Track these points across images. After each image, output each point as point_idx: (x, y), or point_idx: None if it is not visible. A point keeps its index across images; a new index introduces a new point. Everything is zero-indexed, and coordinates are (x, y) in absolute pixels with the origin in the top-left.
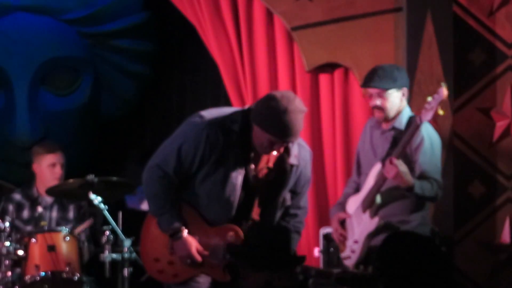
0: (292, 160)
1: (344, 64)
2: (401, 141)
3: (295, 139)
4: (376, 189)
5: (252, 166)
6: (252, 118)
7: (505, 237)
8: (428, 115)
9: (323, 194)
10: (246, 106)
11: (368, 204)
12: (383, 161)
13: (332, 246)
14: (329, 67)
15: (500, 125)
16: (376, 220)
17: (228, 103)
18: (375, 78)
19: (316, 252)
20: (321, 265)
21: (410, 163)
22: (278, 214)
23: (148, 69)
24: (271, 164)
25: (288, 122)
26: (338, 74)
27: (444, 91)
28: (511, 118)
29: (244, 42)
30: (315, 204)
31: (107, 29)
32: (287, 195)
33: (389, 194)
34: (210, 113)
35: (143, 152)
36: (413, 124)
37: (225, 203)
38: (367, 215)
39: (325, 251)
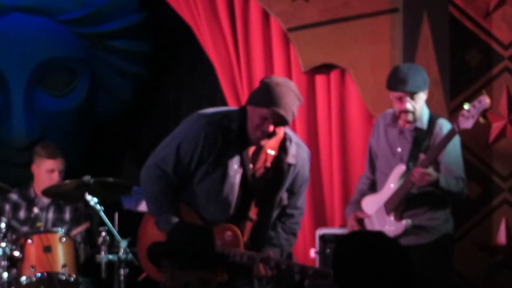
0: (290, 159)
1: (340, 65)
2: (435, 148)
3: (284, 112)
4: (403, 193)
5: (250, 165)
6: (247, 102)
7: (501, 238)
8: (468, 123)
9: (319, 195)
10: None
11: (393, 207)
12: (408, 164)
13: (328, 247)
14: (326, 68)
15: (496, 126)
16: (403, 223)
17: (224, 104)
18: (409, 82)
19: (312, 253)
20: (317, 266)
21: (434, 163)
22: (275, 213)
23: (145, 70)
24: (269, 164)
25: (277, 93)
26: (334, 75)
27: (486, 100)
28: (507, 119)
29: (241, 42)
30: (311, 205)
31: (103, 30)
32: (284, 195)
33: (414, 197)
34: (208, 112)
35: (140, 153)
36: (449, 131)
37: (223, 202)
38: (391, 217)
39: (321, 252)
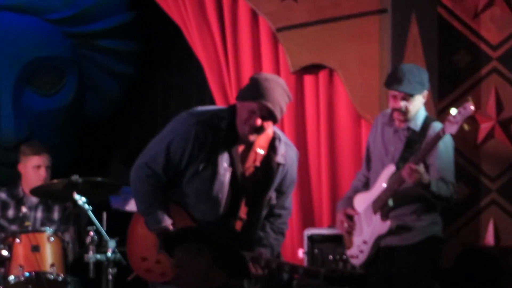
0: (279, 158)
1: (329, 65)
2: (421, 150)
3: (271, 105)
4: (390, 193)
5: (240, 164)
6: (236, 99)
7: (489, 239)
8: (452, 129)
9: (308, 196)
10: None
11: (380, 206)
12: (397, 164)
13: (316, 248)
14: (314, 68)
15: (484, 127)
16: (388, 223)
17: (213, 103)
18: (405, 82)
19: (300, 253)
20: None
21: (424, 166)
22: (264, 213)
23: (133, 69)
24: (258, 163)
25: (265, 87)
26: (323, 75)
27: (471, 107)
28: (496, 120)
29: (229, 42)
30: (299, 205)
31: (92, 29)
32: (273, 194)
33: (401, 197)
34: (198, 111)
35: (128, 152)
36: (435, 135)
37: (213, 202)
38: (378, 217)
39: (309, 253)
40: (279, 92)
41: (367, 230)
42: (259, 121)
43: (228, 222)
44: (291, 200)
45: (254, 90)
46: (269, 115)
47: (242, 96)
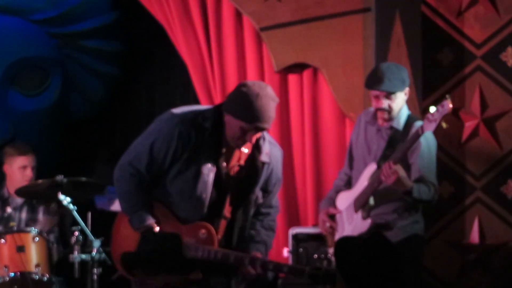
0: (263, 157)
1: (313, 64)
2: (401, 148)
3: (267, 125)
4: (370, 191)
5: (224, 163)
6: (224, 108)
7: (474, 237)
8: (431, 126)
9: (292, 194)
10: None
11: (361, 205)
12: (378, 163)
13: (301, 246)
14: (298, 67)
15: (469, 125)
16: (368, 221)
17: (197, 103)
18: (385, 81)
19: (285, 252)
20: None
21: (406, 165)
22: (251, 212)
23: (117, 70)
24: (242, 162)
25: (259, 107)
26: (307, 74)
27: (449, 104)
28: (480, 119)
29: (213, 42)
30: (284, 204)
31: (76, 29)
32: (259, 193)
33: (382, 196)
34: (182, 110)
35: (112, 152)
36: (414, 132)
37: (197, 201)
38: (359, 215)
39: (294, 251)
40: (271, 106)
41: (348, 228)
42: (254, 139)
43: (212, 222)
44: (277, 199)
45: (248, 111)
46: (263, 130)
47: (234, 113)
